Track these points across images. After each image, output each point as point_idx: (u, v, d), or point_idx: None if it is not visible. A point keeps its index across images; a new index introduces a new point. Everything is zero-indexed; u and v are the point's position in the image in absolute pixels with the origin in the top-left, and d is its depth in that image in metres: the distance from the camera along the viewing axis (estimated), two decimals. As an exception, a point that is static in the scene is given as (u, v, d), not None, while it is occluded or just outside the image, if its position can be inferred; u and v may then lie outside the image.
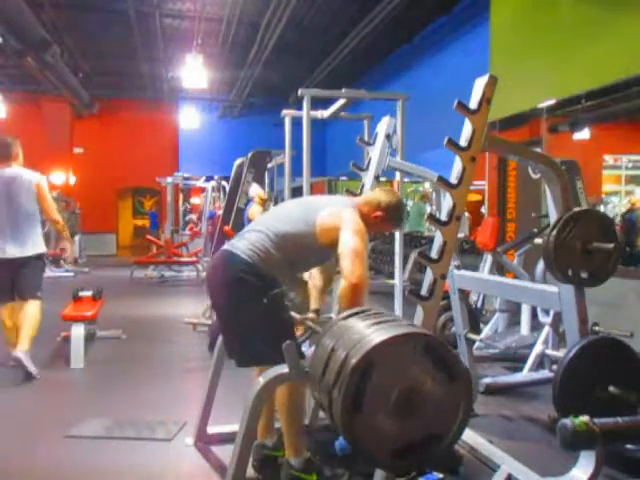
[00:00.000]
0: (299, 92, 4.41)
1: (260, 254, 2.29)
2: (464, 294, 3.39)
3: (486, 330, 4.67)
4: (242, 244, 2.33)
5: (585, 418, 1.48)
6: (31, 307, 3.96)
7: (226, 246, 2.43)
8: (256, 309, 2.24)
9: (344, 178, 15.24)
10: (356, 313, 1.69)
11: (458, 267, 3.27)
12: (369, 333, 1.48)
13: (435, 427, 1.49)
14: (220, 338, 2.88)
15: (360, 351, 1.42)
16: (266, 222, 2.44)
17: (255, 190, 6.00)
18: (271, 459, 2.54)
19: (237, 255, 2.30)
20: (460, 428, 1.51)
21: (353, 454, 2.67)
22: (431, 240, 3.09)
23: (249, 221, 5.84)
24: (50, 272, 10.05)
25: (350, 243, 2.17)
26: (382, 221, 2.45)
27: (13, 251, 3.85)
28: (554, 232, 2.28)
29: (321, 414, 2.88)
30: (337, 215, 2.29)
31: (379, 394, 1.44)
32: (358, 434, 1.46)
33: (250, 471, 2.11)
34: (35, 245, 3.95)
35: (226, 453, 2.43)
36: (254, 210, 5.83)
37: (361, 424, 1.44)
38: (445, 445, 1.50)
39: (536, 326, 4.32)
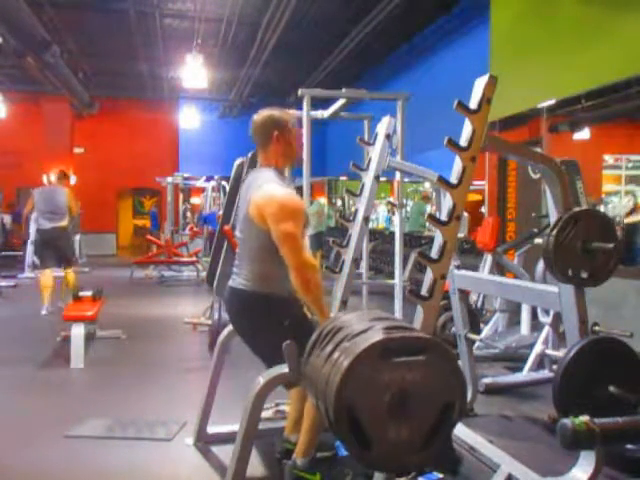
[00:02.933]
0: (299, 92, 4.41)
1: (257, 279, 2.29)
2: (464, 294, 3.39)
3: (486, 330, 4.67)
4: (240, 278, 2.35)
5: (585, 418, 1.48)
6: (70, 274, 6.50)
7: (231, 282, 2.43)
8: (280, 334, 2.20)
9: (344, 178, 15.24)
10: (313, 345, 1.68)
11: (458, 267, 3.27)
12: (327, 378, 1.47)
13: (440, 399, 1.49)
14: (220, 338, 2.89)
15: (330, 403, 1.42)
16: (240, 241, 2.44)
17: None
18: (292, 453, 2.54)
19: (242, 291, 2.33)
20: (462, 388, 1.51)
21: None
22: (431, 240, 3.08)
23: None
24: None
25: (277, 232, 2.15)
26: (283, 134, 2.36)
27: (52, 224, 6.28)
28: (554, 232, 2.27)
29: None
30: (257, 203, 2.22)
31: (375, 418, 1.43)
32: (382, 460, 1.46)
33: (250, 471, 2.10)
34: (63, 222, 6.37)
35: (226, 453, 2.43)
36: None
37: (380, 451, 1.44)
38: (460, 411, 1.50)
39: (536, 326, 4.32)
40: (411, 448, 1.47)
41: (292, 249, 2.13)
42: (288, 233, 2.14)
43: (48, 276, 6.32)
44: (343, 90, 4.54)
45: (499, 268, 4.92)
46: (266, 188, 2.23)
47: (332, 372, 1.46)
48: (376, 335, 1.48)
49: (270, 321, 2.28)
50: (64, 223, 6.37)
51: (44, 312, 6.21)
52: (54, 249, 6.33)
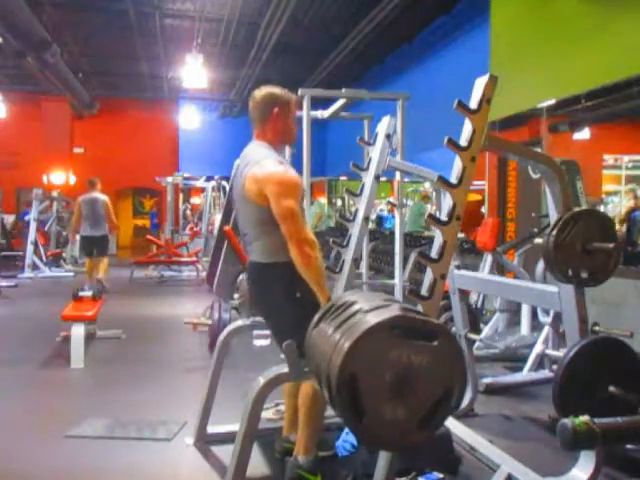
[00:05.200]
0: (299, 92, 4.41)
1: (268, 252, 2.32)
2: (464, 294, 3.39)
3: (486, 330, 4.67)
4: (254, 253, 2.39)
5: (585, 418, 1.48)
6: (103, 260, 7.90)
7: (249, 258, 2.48)
8: (293, 306, 2.26)
9: (344, 178, 15.24)
10: (323, 316, 1.69)
11: (458, 267, 3.27)
12: (336, 343, 1.48)
13: (441, 386, 1.50)
14: (220, 338, 2.89)
15: (334, 368, 1.43)
16: (242, 222, 2.46)
17: None
18: (292, 453, 2.54)
19: (255, 262, 2.38)
20: (464, 377, 1.53)
21: (354, 454, 2.68)
22: (431, 240, 3.08)
23: None
24: (50, 272, 10.07)
25: (278, 210, 2.16)
26: (283, 111, 2.37)
27: (93, 232, 7.64)
28: (554, 232, 2.28)
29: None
30: (256, 179, 2.22)
31: (374, 392, 1.45)
32: (374, 435, 1.47)
33: (250, 471, 2.10)
34: (103, 230, 7.75)
35: (226, 453, 2.43)
36: None
37: (372, 425, 1.45)
38: (457, 398, 1.51)
39: (536, 326, 4.32)
40: (404, 428, 1.48)
41: (294, 225, 2.15)
42: (290, 210, 2.15)
43: (89, 263, 7.88)
44: (343, 90, 4.54)
45: (499, 268, 4.92)
46: (265, 164, 2.23)
47: (343, 338, 1.46)
48: (394, 311, 1.50)
49: (284, 291, 2.28)
50: (104, 232, 7.79)
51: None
52: (94, 247, 7.76)
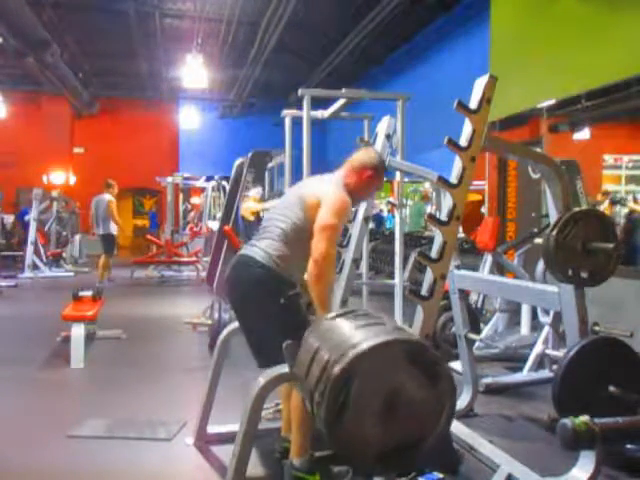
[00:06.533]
0: (299, 92, 4.41)
1: (274, 255, 2.32)
2: (464, 294, 3.39)
3: (486, 330, 4.67)
4: (257, 248, 2.39)
5: (585, 418, 1.48)
6: (103, 258, 8.51)
7: (243, 250, 2.47)
8: (273, 310, 2.27)
9: (344, 178, 15.24)
10: (343, 314, 1.69)
11: (458, 267, 3.27)
12: (352, 338, 1.48)
13: (419, 430, 1.49)
14: (220, 338, 2.89)
15: (342, 360, 1.42)
16: (271, 220, 2.47)
17: (254, 192, 6.36)
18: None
19: (253, 258, 2.36)
20: (444, 429, 1.52)
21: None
22: (431, 240, 3.09)
23: (242, 219, 6.15)
24: (50, 272, 10.08)
25: (322, 220, 2.23)
26: (373, 179, 2.51)
27: (98, 230, 8.46)
28: (554, 232, 2.28)
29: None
30: (319, 193, 2.34)
31: (362, 400, 1.44)
32: (341, 439, 1.46)
33: (250, 471, 2.10)
34: (108, 229, 8.42)
35: (226, 453, 2.43)
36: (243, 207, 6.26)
37: (344, 430, 1.44)
38: (427, 446, 1.50)
39: (536, 326, 4.32)
40: (367, 449, 1.47)
41: (328, 239, 2.20)
42: (333, 224, 2.22)
43: (101, 259, 8.63)
44: (343, 90, 4.54)
45: (499, 268, 4.92)
46: (337, 190, 2.37)
47: (360, 338, 1.46)
48: (418, 339, 1.52)
49: (267, 295, 2.30)
50: (106, 231, 8.44)
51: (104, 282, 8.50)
52: (101, 244, 8.57)
